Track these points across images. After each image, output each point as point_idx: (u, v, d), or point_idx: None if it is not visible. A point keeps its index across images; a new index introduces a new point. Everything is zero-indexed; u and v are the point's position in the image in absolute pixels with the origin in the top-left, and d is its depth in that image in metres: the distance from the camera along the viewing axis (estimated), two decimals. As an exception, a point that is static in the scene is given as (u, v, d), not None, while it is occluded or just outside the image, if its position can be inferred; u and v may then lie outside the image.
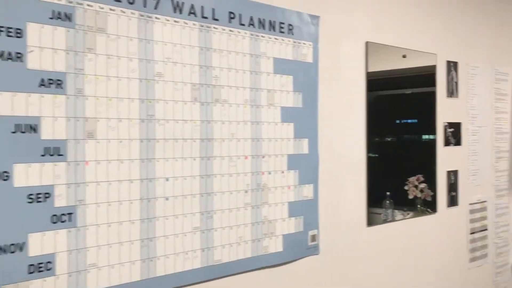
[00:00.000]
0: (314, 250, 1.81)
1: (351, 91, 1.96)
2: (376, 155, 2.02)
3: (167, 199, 1.40)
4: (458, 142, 2.49)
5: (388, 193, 2.07)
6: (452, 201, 2.45)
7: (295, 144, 1.75)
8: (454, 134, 2.46)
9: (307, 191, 1.79)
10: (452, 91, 2.45)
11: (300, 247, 1.77)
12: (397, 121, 2.13)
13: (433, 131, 2.35)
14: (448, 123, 2.42)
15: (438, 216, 2.37)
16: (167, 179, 1.40)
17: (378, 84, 2.03)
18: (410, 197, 2.14)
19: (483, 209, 2.65)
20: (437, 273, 2.37)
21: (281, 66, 1.71)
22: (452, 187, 2.45)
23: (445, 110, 2.42)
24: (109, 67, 1.28)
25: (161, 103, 1.39)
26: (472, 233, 2.57)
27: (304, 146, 1.78)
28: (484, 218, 2.65)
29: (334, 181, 1.89)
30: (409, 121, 2.18)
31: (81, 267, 1.23)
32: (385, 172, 2.09)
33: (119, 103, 1.31)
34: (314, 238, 1.81)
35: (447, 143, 2.42)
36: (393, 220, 2.13)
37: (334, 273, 1.89)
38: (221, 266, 1.53)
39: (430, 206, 2.27)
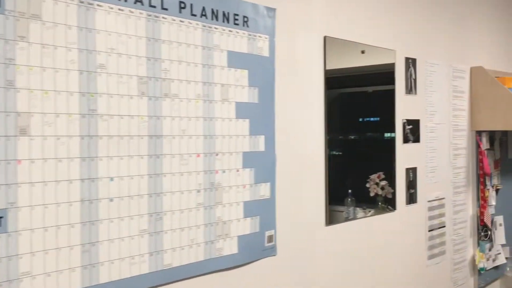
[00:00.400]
0: (271, 251, 1.75)
1: (309, 87, 1.91)
2: (340, 153, 2.02)
3: (111, 200, 1.30)
4: (417, 139, 2.48)
5: (350, 191, 2.05)
6: (411, 198, 2.44)
7: (250, 141, 1.68)
8: (413, 131, 2.45)
9: (263, 190, 1.72)
10: (410, 88, 2.44)
11: (256, 248, 1.70)
12: (360, 120, 2.13)
13: (393, 128, 2.32)
14: (407, 120, 2.41)
15: (397, 214, 2.35)
16: (111, 179, 1.31)
17: (339, 82, 2.01)
18: (372, 194, 2.14)
19: (441, 206, 2.66)
20: (396, 271, 2.36)
21: (235, 59, 1.63)
22: (411, 185, 2.44)
23: (404, 107, 2.40)
24: (45, 57, 1.18)
25: (104, 97, 1.29)
26: (430, 230, 2.57)
27: (260, 143, 1.71)
28: (442, 215, 2.66)
29: (292, 180, 1.84)
30: (372, 119, 2.18)
31: (13, 276, 1.12)
32: (348, 170, 2.07)
33: (57, 97, 1.20)
34: (271, 238, 1.75)
35: (406, 140, 2.41)
36: (354, 218, 2.10)
37: (292, 274, 1.83)
38: (171, 270, 1.44)
39: (391, 203, 2.27)
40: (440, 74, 2.64)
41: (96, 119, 1.28)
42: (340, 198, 2.02)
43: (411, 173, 2.44)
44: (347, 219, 2.07)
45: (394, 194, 2.31)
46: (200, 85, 1.53)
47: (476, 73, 2.87)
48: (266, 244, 1.73)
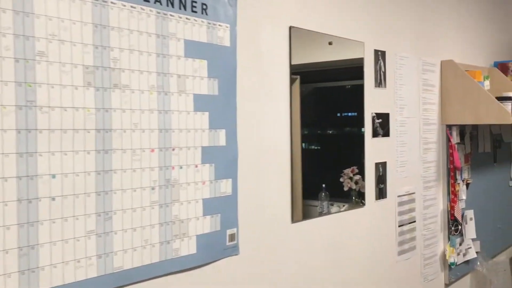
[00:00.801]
0: (233, 250, 1.67)
1: (274, 79, 1.83)
2: (318, 148, 2.00)
3: (53, 199, 1.21)
4: (386, 133, 2.43)
5: (323, 185, 2.02)
6: (381, 193, 2.40)
7: (210, 135, 1.60)
8: (382, 125, 2.40)
9: (224, 187, 1.64)
10: (380, 81, 2.39)
11: (217, 247, 1.62)
12: (338, 115, 2.14)
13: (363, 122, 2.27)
14: (376, 113, 2.36)
15: (366, 210, 2.30)
16: (53, 176, 1.21)
17: (312, 76, 1.98)
18: (345, 188, 2.11)
19: (411, 201, 2.62)
20: (365, 268, 2.31)
21: (193, 49, 1.54)
22: (381, 179, 2.40)
23: (373, 101, 2.35)
24: (-27, 43, 1.07)
25: (44, 87, 1.19)
26: (400, 225, 2.53)
27: (221, 138, 1.63)
28: (412, 210, 2.62)
29: (256, 175, 1.76)
30: (350, 114, 2.17)
31: None
32: (324, 165, 2.05)
33: (-11, 87, 1.10)
34: (232, 237, 1.67)
35: (375, 134, 2.36)
36: (328, 212, 2.06)
37: (255, 273, 1.76)
38: (122, 273, 1.35)
39: (364, 197, 2.21)
40: (410, 67, 2.60)
41: (35, 111, 1.17)
42: (315, 193, 2.00)
43: (381, 167, 2.40)
44: (320, 214, 2.03)
45: (359, 192, 2.26)
46: (154, 75, 1.43)
47: (446, 67, 2.84)
48: (228, 243, 1.65)
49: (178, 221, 1.50)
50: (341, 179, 2.12)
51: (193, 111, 1.55)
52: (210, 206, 1.59)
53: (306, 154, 1.94)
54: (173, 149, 1.49)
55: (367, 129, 2.31)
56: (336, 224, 2.13)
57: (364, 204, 2.28)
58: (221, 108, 1.63)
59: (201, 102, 1.57)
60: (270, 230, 1.82)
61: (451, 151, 2.86)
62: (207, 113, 1.59)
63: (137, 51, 1.39)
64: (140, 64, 1.40)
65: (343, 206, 2.14)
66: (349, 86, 2.24)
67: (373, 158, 2.35)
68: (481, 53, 3.35)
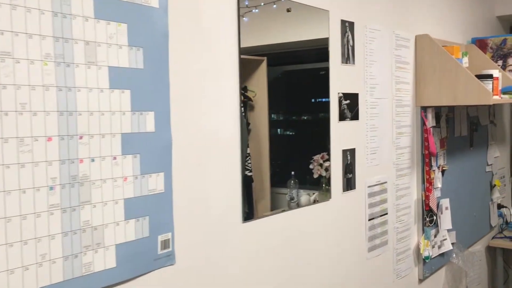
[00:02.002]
0: (167, 260, 1.36)
1: (219, 52, 1.51)
2: (289, 133, 1.91)
3: None
4: (355, 116, 2.14)
5: (292, 172, 1.88)
6: (349, 184, 2.12)
7: (133, 119, 1.27)
8: (351, 107, 2.11)
9: (154, 183, 1.33)
10: (347, 57, 2.09)
11: (145, 258, 1.31)
12: (313, 100, 2.01)
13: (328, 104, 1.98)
14: (343, 94, 2.07)
15: (332, 203, 2.02)
16: None
17: (280, 58, 1.82)
18: (315, 176, 1.94)
19: (383, 191, 2.35)
20: (331, 269, 2.03)
21: (107, 8, 1.21)
22: (349, 168, 2.12)
23: (340, 79, 2.05)
24: None
25: None
26: (371, 219, 2.26)
27: (148, 122, 1.31)
28: (384, 201, 2.36)
29: (196, 167, 1.45)
30: (324, 100, 2.00)
31: None
32: (294, 151, 1.92)
33: None
34: (166, 244, 1.36)
35: (342, 117, 2.07)
36: (298, 203, 1.86)
37: (197, 285, 1.46)
38: (6, 301, 1.03)
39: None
40: (381, 42, 2.31)
41: None
42: (285, 180, 1.86)
43: (349, 155, 2.11)
44: (290, 201, 1.85)
45: (329, 179, 1.98)
46: (49, 41, 1.10)
47: (422, 42, 2.57)
48: (160, 252, 1.34)
49: (89, 228, 1.18)
50: (311, 166, 1.95)
51: (109, 88, 1.22)
52: (134, 208, 1.27)
53: (275, 140, 1.78)
54: (81, 137, 1.16)
55: (333, 111, 2.02)
56: (297, 221, 1.84)
57: (330, 197, 1.99)
58: (148, 85, 1.31)
59: (119, 77, 1.24)
60: (215, 232, 1.51)
61: (426, 135, 2.60)
62: (128, 92, 1.26)
63: (23, 7, 1.05)
64: (27, 24, 1.06)
65: (313, 194, 1.97)
66: (323, 72, 2.01)
67: (340, 145, 2.06)
68: (458, 28, 3.09)
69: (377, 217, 2.31)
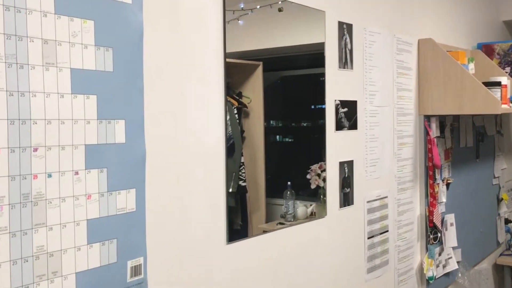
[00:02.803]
0: (138, 288, 1.20)
1: (201, 52, 1.36)
2: (287, 141, 1.84)
3: None
4: (353, 126, 1.99)
5: (289, 182, 1.78)
6: (346, 199, 1.96)
7: (100, 128, 1.12)
8: (348, 116, 1.96)
9: (124, 201, 1.17)
10: (345, 61, 1.94)
11: (112, 287, 1.15)
12: (312, 107, 1.91)
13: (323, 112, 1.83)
14: (341, 101, 1.91)
15: (327, 221, 1.86)
16: None
17: (276, 63, 1.75)
18: (313, 186, 1.83)
19: (384, 206, 2.19)
20: (328, 292, 1.87)
21: (70, 2, 1.06)
22: (346, 182, 1.96)
23: (337, 85, 1.90)
24: None
25: None
26: (370, 237, 2.10)
27: (117, 132, 1.16)
28: (384, 217, 2.20)
29: (174, 182, 1.29)
30: (322, 106, 1.88)
31: None
32: (291, 160, 1.84)
33: None
34: (137, 270, 1.20)
35: (339, 126, 1.91)
36: (295, 215, 1.76)
37: (174, 316, 1.30)
38: None
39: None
40: (382, 46, 2.16)
41: None
42: (281, 190, 1.77)
43: (346, 167, 1.96)
44: (285, 214, 1.73)
45: (324, 194, 1.82)
46: (0, 39, 0.95)
47: (425, 46, 2.42)
48: (130, 279, 1.19)
49: (44, 254, 1.02)
50: (308, 176, 1.83)
51: (71, 93, 1.07)
52: (99, 230, 1.12)
53: (270, 149, 1.69)
54: (35, 149, 1.01)
55: (329, 120, 1.87)
56: (288, 240, 1.68)
57: (325, 214, 1.83)
58: (118, 90, 1.15)
59: (84, 81, 1.09)
60: (195, 256, 1.35)
61: (429, 146, 2.44)
62: (93, 97, 1.11)
63: (-36, -2, 0.90)
64: (-30, 19, 0.91)
65: (310, 205, 1.85)
66: (323, 78, 1.86)
67: (336, 156, 1.90)
68: (463, 33, 2.94)
69: (377, 235, 2.15)
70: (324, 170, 1.88)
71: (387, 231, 2.22)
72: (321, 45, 1.82)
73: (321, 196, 1.87)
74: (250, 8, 1.54)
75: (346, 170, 1.96)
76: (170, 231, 1.29)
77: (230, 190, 1.57)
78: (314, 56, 1.86)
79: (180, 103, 1.31)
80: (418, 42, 2.43)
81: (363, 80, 2.04)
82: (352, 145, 1.99)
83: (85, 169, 1.09)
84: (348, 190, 1.97)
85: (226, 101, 1.44)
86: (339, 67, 1.91)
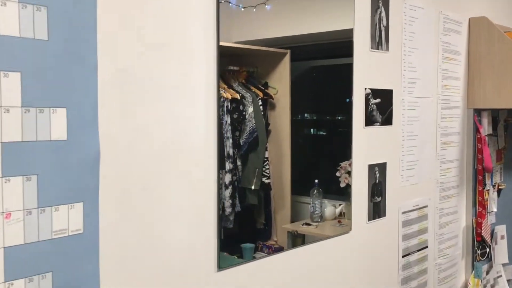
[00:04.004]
0: (85, 336, 0.89)
1: (184, 21, 1.03)
2: (318, 136, 1.72)
3: None
4: (387, 120, 1.62)
5: (316, 180, 1.63)
6: (376, 210, 1.60)
7: (26, 119, 0.80)
8: (382, 108, 1.59)
9: (64, 219, 0.85)
10: (379, 41, 1.57)
11: (44, 338, 0.84)
12: (347, 100, 1.68)
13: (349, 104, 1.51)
14: (372, 90, 1.55)
15: (353, 236, 1.51)
16: None
17: (306, 52, 1.62)
18: (342, 185, 1.64)
19: (422, 218, 1.82)
20: (350, 325, 1.52)
21: None
22: (377, 189, 1.60)
23: (368, 70, 1.54)
24: None
25: None
26: (405, 255, 1.73)
27: (54, 124, 0.84)
28: (423, 231, 1.82)
29: (142, 194, 0.97)
30: (348, 100, 1.66)
31: None
32: (321, 155, 1.69)
33: None
34: (84, 313, 0.88)
35: (369, 121, 1.55)
36: (322, 215, 1.58)
37: None
38: None
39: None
40: (425, 24, 1.78)
41: None
42: (307, 188, 1.63)
43: (377, 171, 1.59)
44: (312, 214, 1.57)
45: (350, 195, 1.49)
46: None
47: (478, 27, 2.01)
48: (73, 326, 0.87)
49: None
50: (338, 174, 1.64)
51: (-22, 69, 0.75)
52: (24, 261, 0.81)
53: (297, 143, 1.56)
54: None
55: (357, 113, 1.51)
56: (303, 262, 1.34)
57: (349, 229, 1.49)
58: (56, 67, 0.83)
59: (0, 53, 0.77)
60: (172, 289, 1.03)
61: (479, 146, 2.05)
62: (15, 76, 0.79)
63: None
64: None
65: (339, 205, 1.68)
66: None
67: (365, 158, 1.54)
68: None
69: (414, 252, 1.77)
70: None
71: (426, 247, 1.84)
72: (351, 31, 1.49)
73: (351, 195, 1.64)
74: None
75: (377, 175, 1.59)
76: (137, 257, 0.96)
77: (253, 187, 1.53)
78: (348, 43, 1.61)
79: (153, 90, 0.98)
80: (469, 22, 2.03)
81: (401, 65, 1.67)
82: (385, 144, 1.62)
83: (1, 177, 0.78)
84: (379, 199, 1.60)
85: (219, 94, 1.11)
86: (371, 48, 1.54)
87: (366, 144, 1.54)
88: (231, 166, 1.71)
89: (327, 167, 1.72)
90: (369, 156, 1.56)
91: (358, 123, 1.51)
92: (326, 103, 1.73)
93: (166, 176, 1.01)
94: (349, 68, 1.59)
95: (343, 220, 1.87)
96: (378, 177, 1.60)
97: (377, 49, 1.56)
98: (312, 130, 1.73)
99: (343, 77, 1.72)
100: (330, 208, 1.69)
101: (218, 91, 1.11)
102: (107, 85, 0.90)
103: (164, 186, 1.00)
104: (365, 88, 1.53)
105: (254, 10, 1.35)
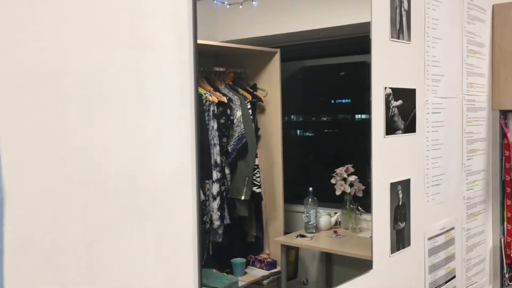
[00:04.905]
0: None
1: (146, 24, 0.71)
2: (311, 140, 1.69)
3: None
4: (411, 127, 1.32)
5: (310, 188, 1.55)
6: (400, 239, 1.29)
7: None
8: (404, 112, 1.29)
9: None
10: (400, 28, 1.26)
11: None
12: (332, 101, 1.75)
13: (367, 109, 1.30)
14: (393, 89, 1.24)
15: (375, 274, 1.20)
16: None
17: (296, 51, 1.59)
18: (338, 192, 1.61)
19: (449, 243, 1.52)
20: None
21: None
22: (400, 213, 1.29)
23: (388, 64, 1.23)
24: None
25: None
26: (432, 289, 1.43)
27: None
28: (450, 258, 1.52)
29: (89, 253, 0.64)
30: (343, 101, 1.73)
31: None
32: (315, 161, 1.66)
33: None
34: None
35: (391, 128, 1.24)
36: (317, 225, 1.45)
37: None
38: None
39: (362, 203, 1.49)
40: (449, 10, 1.48)
41: None
42: (301, 196, 1.57)
43: (401, 191, 1.29)
44: (307, 225, 1.48)
45: (367, 191, 1.28)
46: None
47: (502, 14, 1.73)
48: None
49: None
50: (333, 181, 1.59)
51: None
52: None
53: (289, 148, 1.51)
54: None
55: (377, 118, 1.20)
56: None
57: (361, 211, 1.29)
58: None
59: None
60: None
61: (507, 153, 1.76)
62: None
63: None
64: None
65: (335, 213, 1.62)
66: (341, 73, 1.65)
67: (387, 174, 1.24)
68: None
69: (442, 285, 1.47)
70: (351, 174, 1.49)
71: (454, 277, 1.54)
72: (359, 26, 1.26)
73: (347, 203, 1.57)
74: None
75: (400, 195, 1.29)
76: None
77: (243, 197, 1.47)
78: (342, 41, 1.53)
79: (96, 94, 0.65)
80: (493, 8, 1.74)
81: (424, 58, 1.36)
82: (408, 156, 1.31)
83: None
84: (402, 224, 1.30)
85: (198, 99, 0.80)
86: (391, 37, 1.23)
87: (387, 157, 1.24)
88: (219, 175, 1.62)
89: (321, 173, 1.65)
90: (391, 172, 1.25)
91: (378, 131, 1.20)
92: (318, 104, 1.67)
93: (113, 218, 0.68)
94: (342, 68, 1.52)
95: (339, 230, 1.79)
96: (401, 198, 1.29)
97: (398, 38, 1.25)
98: (303, 135, 1.66)
99: (334, 78, 1.68)
100: (326, 217, 1.59)
101: (197, 100, 0.79)
102: (10, 88, 0.58)
103: (110, 239, 0.68)
104: (385, 88, 1.22)
105: (241, 7, 1.29)
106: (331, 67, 1.70)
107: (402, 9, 1.27)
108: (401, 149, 1.28)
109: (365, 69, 1.77)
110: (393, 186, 1.26)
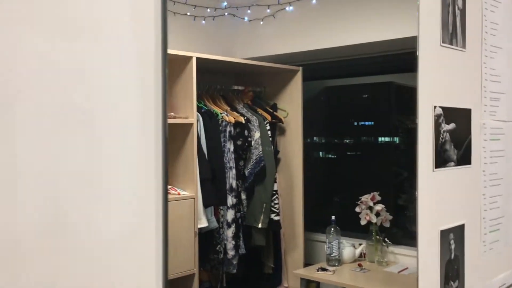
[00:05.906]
0: None
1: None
2: (335, 165, 1.65)
3: None
4: (465, 158, 1.03)
5: (333, 217, 1.50)
6: (451, 302, 0.99)
7: None
8: (457, 138, 1.01)
9: None
10: (453, 32, 0.99)
11: None
12: (355, 123, 1.68)
13: (392, 131, 1.37)
14: (443, 109, 0.96)
15: None
16: None
17: (321, 70, 1.53)
18: (363, 222, 1.54)
19: (509, 303, 1.21)
20: None
21: None
22: (452, 269, 1.00)
23: (438, 77, 0.95)
24: None
25: None
26: None
27: None
28: (510, 323, 1.21)
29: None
30: (367, 123, 1.65)
31: None
32: (338, 187, 1.57)
33: None
34: None
35: (441, 159, 0.96)
36: (340, 258, 1.47)
37: None
38: None
39: (389, 234, 1.52)
40: (508, 11, 1.21)
41: None
42: (323, 224, 1.52)
43: (453, 240, 1.00)
44: (330, 255, 1.44)
45: (394, 221, 1.53)
46: None
47: None
48: None
49: None
50: (358, 209, 1.55)
51: None
52: None
53: (311, 173, 1.46)
54: None
55: (424, 146, 0.92)
56: None
57: (388, 243, 1.48)
58: None
59: None
60: None
61: None
62: None
63: None
64: None
65: (360, 245, 1.61)
66: (366, 95, 1.67)
67: (436, 220, 0.95)
68: None
69: None
70: (378, 202, 1.52)
71: None
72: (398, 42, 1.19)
73: (373, 234, 1.57)
74: (288, 1, 1.30)
75: (453, 246, 1.00)
76: None
77: (260, 226, 1.47)
78: (371, 59, 1.57)
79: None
80: (557, 14, 1.45)
81: (481, 71, 1.08)
82: (462, 194, 1.03)
83: None
84: (455, 284, 1.00)
85: (166, 118, 0.55)
86: (443, 42, 0.96)
87: (436, 197, 0.95)
88: (235, 200, 1.54)
89: (345, 199, 1.63)
90: (441, 216, 0.96)
91: (426, 163, 0.92)
92: (341, 125, 1.65)
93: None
94: (372, 88, 1.48)
95: (364, 263, 1.54)
96: (453, 250, 1.00)
97: (451, 44, 0.98)
98: (326, 158, 1.62)
99: (357, 97, 1.63)
100: (349, 249, 1.56)
101: (164, 131, 0.53)
102: None
103: None
104: (435, 107, 0.94)
105: (261, 23, 1.31)
106: (354, 88, 1.61)
107: (456, 7, 1.00)
108: (455, 186, 1.00)
109: (390, 90, 1.65)
110: (444, 234, 0.97)
